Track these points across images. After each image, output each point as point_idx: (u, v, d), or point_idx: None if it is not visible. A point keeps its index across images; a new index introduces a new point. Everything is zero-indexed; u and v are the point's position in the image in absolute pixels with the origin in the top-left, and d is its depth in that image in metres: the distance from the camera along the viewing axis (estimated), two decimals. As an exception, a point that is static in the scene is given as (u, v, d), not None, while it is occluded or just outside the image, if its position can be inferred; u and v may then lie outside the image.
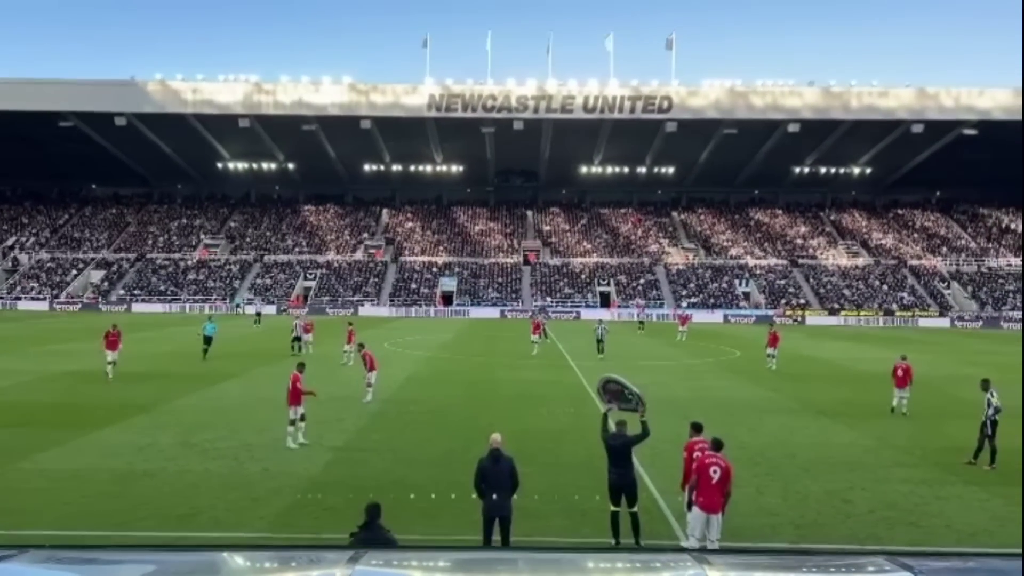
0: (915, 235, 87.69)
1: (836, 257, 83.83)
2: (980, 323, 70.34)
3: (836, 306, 74.19)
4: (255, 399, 23.15)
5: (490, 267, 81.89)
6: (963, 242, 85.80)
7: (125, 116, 74.68)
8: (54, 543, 3.44)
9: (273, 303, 72.66)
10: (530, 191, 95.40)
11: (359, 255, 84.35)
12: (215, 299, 75.75)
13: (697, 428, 11.81)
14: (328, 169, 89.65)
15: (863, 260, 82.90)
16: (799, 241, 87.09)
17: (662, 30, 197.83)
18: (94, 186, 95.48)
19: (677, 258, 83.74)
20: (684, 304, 72.51)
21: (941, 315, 72.10)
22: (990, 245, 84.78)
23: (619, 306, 73.17)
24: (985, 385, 16.52)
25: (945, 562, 3.26)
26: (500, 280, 79.47)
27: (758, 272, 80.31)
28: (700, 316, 67.26)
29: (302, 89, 76.45)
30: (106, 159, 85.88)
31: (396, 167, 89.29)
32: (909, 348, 38.50)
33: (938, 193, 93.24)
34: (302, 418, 17.18)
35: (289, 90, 76.45)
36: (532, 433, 18.31)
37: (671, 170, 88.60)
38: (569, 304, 74.33)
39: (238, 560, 3.14)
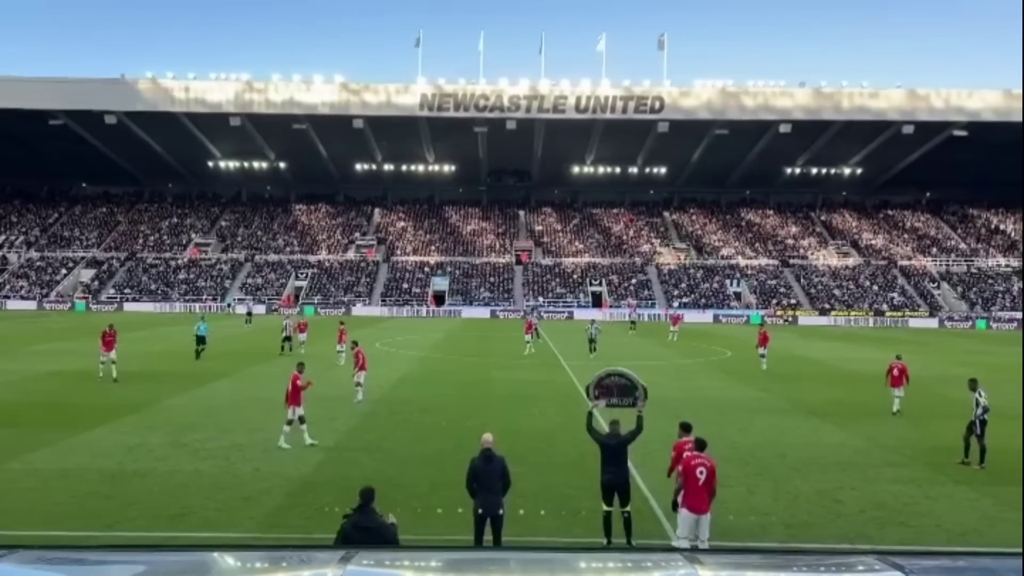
0: (905, 235, 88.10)
1: (827, 257, 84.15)
2: (970, 323, 70.70)
3: (827, 306, 74.47)
4: (246, 399, 23.09)
5: (482, 267, 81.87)
6: (953, 243, 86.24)
7: (115, 114, 74.31)
8: (43, 543, 3.42)
9: (264, 303, 72.47)
10: (522, 191, 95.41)
11: (351, 255, 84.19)
12: (206, 298, 75.51)
13: (686, 428, 11.81)
14: (320, 168, 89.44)
15: (853, 260, 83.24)
16: (790, 241, 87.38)
17: (654, 30, 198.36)
18: (84, 185, 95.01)
19: (669, 258, 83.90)
20: (676, 304, 72.65)
21: (931, 315, 72.47)
22: (979, 246, 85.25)
23: (611, 306, 73.26)
24: (973, 385, 16.59)
25: (935, 561, 3.28)
26: (492, 280, 79.46)
27: (749, 272, 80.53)
28: (691, 316, 67.40)
29: (294, 88, 76.25)
30: (96, 158, 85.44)
31: (388, 166, 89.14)
32: (899, 348, 38.69)
33: (928, 194, 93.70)
34: (301, 420, 17.07)
35: (280, 89, 76.23)
36: (524, 433, 18.32)
37: (663, 170, 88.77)
38: (561, 304, 74.37)
39: (229, 560, 3.13)
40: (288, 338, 36.16)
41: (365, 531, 8.06)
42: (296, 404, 17.05)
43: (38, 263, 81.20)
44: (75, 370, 28.92)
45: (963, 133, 75.50)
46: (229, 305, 71.82)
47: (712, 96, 75.91)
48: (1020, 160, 78.51)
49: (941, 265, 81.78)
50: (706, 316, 70.95)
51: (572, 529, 11.76)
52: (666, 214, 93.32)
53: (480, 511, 10.20)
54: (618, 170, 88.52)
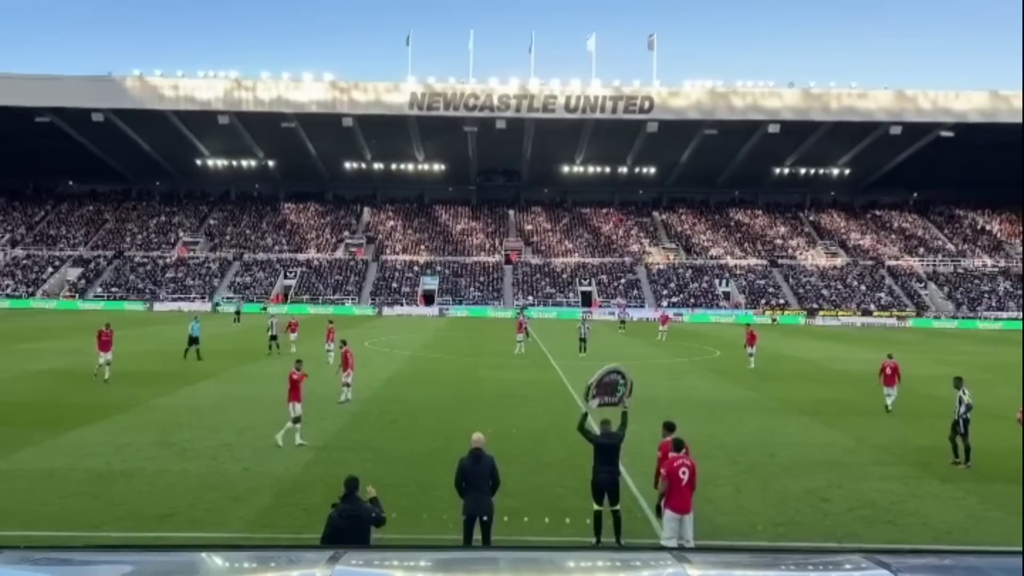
0: (893, 236, 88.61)
1: (815, 257, 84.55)
2: (955, 323, 71.18)
3: (815, 306, 74.83)
4: (234, 398, 23.01)
5: (472, 266, 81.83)
6: (940, 243, 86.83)
7: (103, 112, 73.88)
8: (29, 544, 3.39)
9: (252, 301, 72.16)
10: (512, 190, 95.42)
11: (340, 253, 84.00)
12: (194, 297, 75.18)
13: (670, 428, 11.77)
14: (309, 167, 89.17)
15: (841, 260, 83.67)
16: (779, 241, 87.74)
17: (644, 30, 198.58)
18: (71, 183, 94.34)
19: (658, 258, 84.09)
20: (665, 304, 72.86)
21: (918, 315, 72.92)
22: (966, 246, 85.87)
23: (600, 305, 73.37)
24: (957, 383, 16.68)
25: (922, 559, 3.30)
26: (482, 279, 79.45)
27: (738, 272, 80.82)
28: (680, 315, 67.57)
29: (283, 86, 76.01)
30: (83, 155, 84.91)
31: (377, 165, 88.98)
32: (887, 348, 38.89)
33: (915, 194, 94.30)
34: (295, 420, 16.99)
35: (270, 87, 75.99)
36: (513, 432, 18.32)
37: (652, 170, 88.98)
38: (551, 303, 74.42)
39: (217, 560, 3.11)
40: (274, 337, 35.91)
41: (352, 518, 8.52)
42: (296, 400, 17.00)
43: (24, 261, 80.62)
44: (62, 369, 28.74)
45: (950, 134, 76.03)
46: (217, 304, 71.47)
47: (701, 96, 76.15)
48: (1006, 161, 79.14)
49: (928, 265, 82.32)
50: (696, 316, 71.14)
51: (561, 528, 11.77)
52: (655, 214, 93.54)
53: (469, 511, 10.19)
54: (608, 170, 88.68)
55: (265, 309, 51.43)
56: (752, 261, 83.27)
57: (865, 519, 12.62)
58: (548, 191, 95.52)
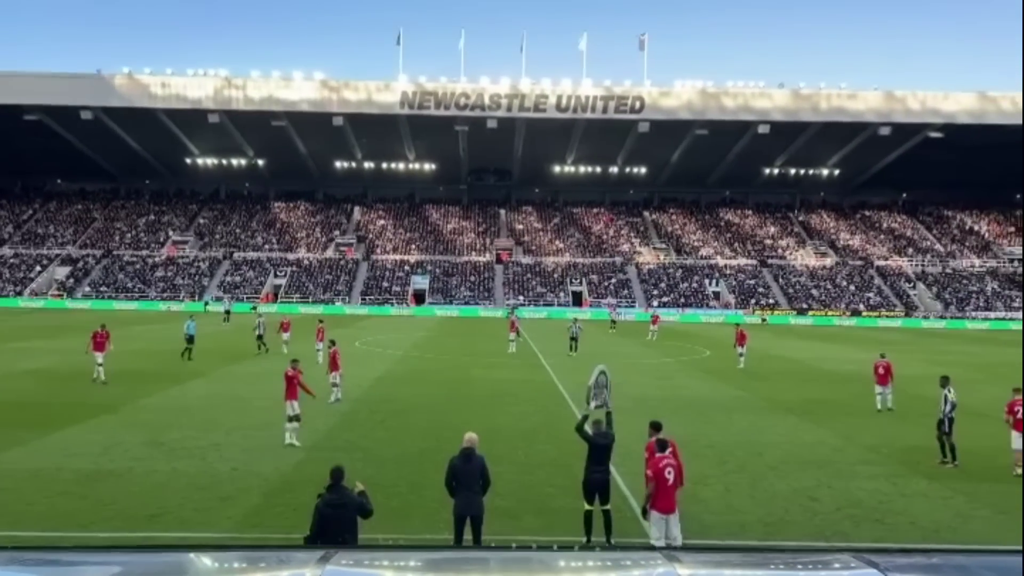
0: (882, 236, 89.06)
1: (804, 257, 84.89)
2: (944, 323, 71.59)
3: (804, 306, 75.14)
4: (224, 398, 22.92)
5: (462, 265, 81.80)
6: (928, 243, 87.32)
7: (91, 110, 73.46)
8: (16, 544, 3.37)
9: (242, 300, 71.91)
10: (503, 190, 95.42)
11: (330, 253, 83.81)
12: (183, 296, 74.90)
13: (656, 428, 11.71)
14: (299, 166, 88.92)
15: (831, 260, 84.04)
16: (768, 241, 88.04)
17: (635, 30, 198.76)
18: (59, 181, 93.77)
19: (648, 258, 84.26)
20: (655, 303, 73.03)
21: (907, 315, 73.33)
22: (954, 247, 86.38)
23: (591, 305, 73.45)
24: (943, 382, 16.78)
25: (910, 559, 3.32)
26: (472, 279, 79.43)
27: (728, 272, 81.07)
28: (670, 315, 67.73)
29: (273, 85, 75.77)
30: (72, 154, 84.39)
31: (368, 164, 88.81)
32: (876, 347, 39.07)
33: (904, 195, 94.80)
34: (292, 419, 17.00)
35: (260, 86, 75.72)
36: (504, 432, 18.32)
37: (643, 170, 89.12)
38: (541, 303, 74.46)
39: (206, 561, 3.10)
40: (261, 336, 35.73)
41: (338, 507, 8.67)
42: (293, 398, 16.98)
43: (11, 260, 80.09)
44: (49, 368, 28.58)
45: (939, 135, 76.47)
46: (207, 303, 71.18)
47: (692, 97, 76.34)
48: (994, 161, 79.72)
49: (917, 265, 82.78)
50: (685, 315, 71.30)
51: (552, 528, 11.77)
52: (646, 214, 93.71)
53: (459, 510, 10.19)
54: (599, 170, 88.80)
55: (255, 308, 51.30)
56: (742, 261, 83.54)
57: (853, 518, 12.68)
58: (539, 191, 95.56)
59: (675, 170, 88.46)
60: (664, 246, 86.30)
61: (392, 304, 74.40)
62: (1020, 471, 15.29)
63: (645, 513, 10.86)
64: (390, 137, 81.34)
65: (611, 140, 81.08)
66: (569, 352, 36.63)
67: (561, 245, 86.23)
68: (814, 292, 77.98)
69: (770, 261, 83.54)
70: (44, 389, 24.03)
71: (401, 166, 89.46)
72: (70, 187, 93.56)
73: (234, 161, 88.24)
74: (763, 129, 75.78)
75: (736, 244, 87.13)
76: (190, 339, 31.95)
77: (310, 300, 74.00)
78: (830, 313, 73.45)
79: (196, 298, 74.07)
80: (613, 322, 58.91)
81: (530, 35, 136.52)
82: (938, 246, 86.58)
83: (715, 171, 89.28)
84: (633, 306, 73.63)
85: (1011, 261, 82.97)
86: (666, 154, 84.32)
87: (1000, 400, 17.81)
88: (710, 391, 26.51)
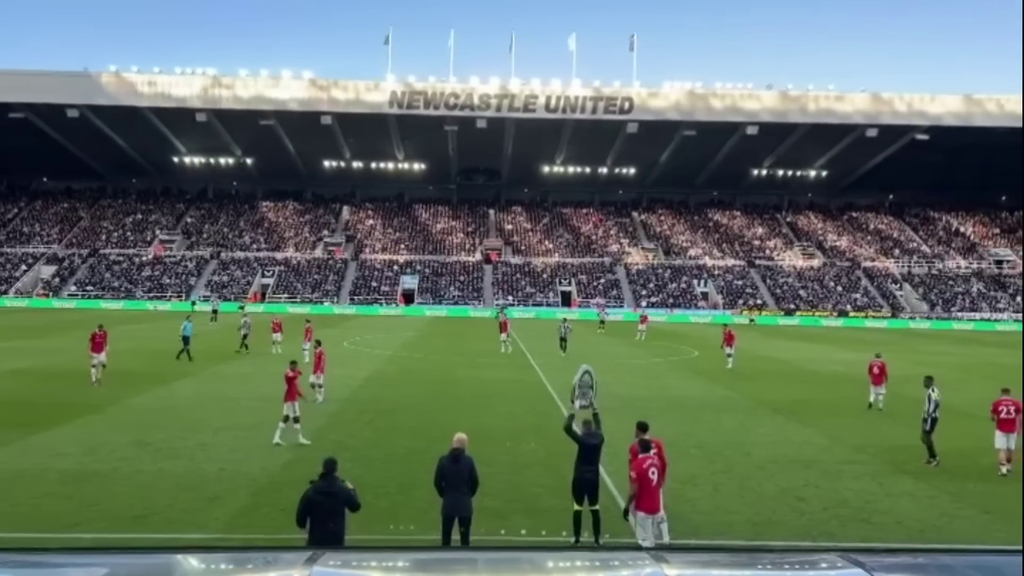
0: (869, 237, 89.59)
1: (792, 258, 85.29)
2: (929, 324, 72.07)
3: (792, 306, 75.49)
4: (211, 398, 22.82)
5: (452, 265, 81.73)
6: (914, 245, 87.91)
7: (78, 108, 72.99)
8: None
9: (229, 300, 71.60)
10: (492, 190, 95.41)
11: (319, 252, 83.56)
12: (170, 296, 74.52)
13: (643, 428, 11.62)
14: (287, 165, 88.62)
15: (818, 261, 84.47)
16: (756, 242, 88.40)
17: (624, 31, 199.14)
18: (45, 179, 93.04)
19: (637, 258, 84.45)
20: (644, 304, 73.21)
21: (893, 316, 73.79)
22: (940, 248, 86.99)
23: (579, 305, 73.54)
24: (927, 382, 16.91)
25: (896, 558, 3.34)
26: (462, 279, 79.38)
27: (716, 272, 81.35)
28: (658, 315, 67.89)
29: (261, 84, 75.48)
30: (58, 152, 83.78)
31: (357, 164, 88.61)
32: (863, 348, 39.31)
33: (891, 196, 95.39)
34: (295, 419, 16.99)
35: (248, 84, 75.42)
36: (492, 432, 18.31)
37: (632, 171, 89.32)
38: (531, 303, 74.50)
39: (193, 562, 3.09)
40: (245, 336, 35.51)
41: (328, 496, 8.95)
42: (292, 400, 17.01)
43: (-3, 259, 79.45)
44: (34, 368, 28.37)
45: (925, 137, 77.01)
46: (194, 303, 70.82)
47: (680, 97, 76.57)
48: (980, 164, 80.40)
49: (903, 267, 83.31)
50: (673, 315, 71.50)
51: (540, 528, 11.78)
52: (635, 214, 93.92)
53: (447, 510, 10.19)
54: (588, 170, 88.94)
55: (242, 308, 51.09)
56: (730, 262, 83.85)
57: (840, 518, 12.75)
58: (528, 191, 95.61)
59: (664, 171, 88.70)
60: (653, 246, 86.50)
61: (381, 304, 74.27)
62: (1004, 470, 15.44)
63: (626, 513, 10.88)
64: (379, 137, 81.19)
65: (600, 140, 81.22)
66: (560, 353, 36.66)
67: (550, 245, 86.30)
68: (802, 293, 78.35)
69: (758, 262, 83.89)
70: (29, 389, 23.85)
71: (390, 166, 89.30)
72: (56, 185, 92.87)
73: (222, 160, 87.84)
74: (751, 130, 76.10)
75: (724, 245, 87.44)
76: (186, 340, 31.71)
77: (298, 300, 73.76)
78: (817, 314, 73.84)
79: (183, 298, 73.70)
80: (602, 322, 58.99)
81: (519, 35, 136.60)
82: (924, 247, 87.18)
83: (703, 172, 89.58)
84: (622, 306, 73.78)
85: (996, 262, 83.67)
86: (655, 155, 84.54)
87: (984, 400, 17.95)
88: (698, 391, 26.59)
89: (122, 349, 35.00)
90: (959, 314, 74.16)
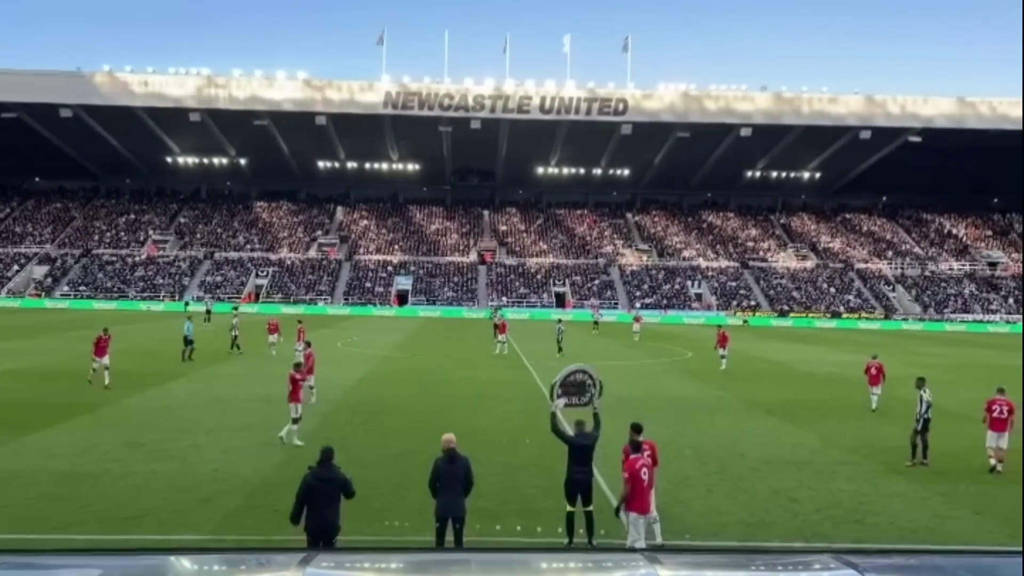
0: (862, 239, 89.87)
1: (785, 260, 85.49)
2: (922, 325, 72.30)
3: (785, 308, 75.66)
4: (204, 399, 22.75)
5: (446, 266, 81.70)
6: (907, 246, 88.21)
7: (71, 108, 72.74)
8: (-8, 548, 3.33)
9: (223, 300, 71.41)
10: (487, 191, 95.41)
11: (312, 253, 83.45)
12: (163, 296, 74.31)
13: (637, 430, 11.52)
14: (281, 165, 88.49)
15: (811, 263, 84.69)
16: (750, 244, 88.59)
17: (619, 32, 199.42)
18: (38, 179, 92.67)
19: (631, 259, 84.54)
20: (638, 305, 73.29)
21: (886, 317, 74.02)
22: (933, 250, 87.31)
23: (574, 306, 73.59)
24: (920, 383, 16.98)
25: (888, 559, 3.35)
26: (456, 280, 79.34)
27: (710, 274, 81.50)
28: (652, 317, 68.01)
29: (256, 84, 75.34)
30: (51, 152, 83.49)
31: (351, 164, 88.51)
32: (855, 349, 39.45)
33: (884, 198, 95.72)
34: (295, 421, 17.05)
35: (242, 85, 75.25)
36: (486, 433, 18.31)
37: (626, 172, 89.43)
38: (525, 304, 74.50)
39: (185, 564, 3.08)
40: (235, 337, 35.43)
41: (326, 482, 9.48)
42: (297, 401, 17.08)
43: (-11, 259, 79.13)
44: (27, 369, 28.25)
45: (918, 139, 77.29)
46: (187, 303, 70.59)
47: (675, 99, 76.70)
48: (972, 166, 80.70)
49: (896, 268, 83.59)
50: (668, 316, 71.57)
51: (534, 529, 11.78)
52: (629, 215, 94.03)
53: (441, 512, 10.17)
54: (582, 171, 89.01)
55: (236, 309, 50.97)
56: (724, 263, 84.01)
57: (833, 519, 12.78)
58: (523, 192, 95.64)
59: (658, 172, 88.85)
60: (647, 248, 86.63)
61: (375, 305, 74.18)
62: (994, 463, 15.74)
63: (618, 512, 10.89)
64: (373, 137, 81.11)
65: (594, 142, 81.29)
66: (555, 354, 36.67)
67: (544, 246, 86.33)
68: (795, 294, 78.53)
69: (751, 263, 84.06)
70: (22, 389, 23.74)
71: (384, 166, 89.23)
72: (49, 185, 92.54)
73: (216, 160, 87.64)
74: (745, 132, 76.26)
75: (718, 246, 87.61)
76: (187, 340, 31.66)
77: (292, 300, 73.63)
78: (811, 315, 74.02)
79: (176, 298, 73.49)
80: (595, 323, 59.05)
81: (514, 36, 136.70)
82: (917, 249, 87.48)
83: (697, 173, 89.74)
84: (616, 308, 73.86)
85: (989, 264, 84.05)
86: (649, 156, 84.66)
87: (976, 402, 18.03)
88: (692, 392, 26.63)
89: (115, 350, 34.80)
90: (951, 316, 74.44)
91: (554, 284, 78.93)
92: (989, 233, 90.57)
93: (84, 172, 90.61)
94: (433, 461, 10.56)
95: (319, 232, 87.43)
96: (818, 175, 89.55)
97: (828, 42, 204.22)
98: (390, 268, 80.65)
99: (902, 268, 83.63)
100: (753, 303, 76.55)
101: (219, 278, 78.09)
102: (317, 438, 17.88)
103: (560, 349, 37.20)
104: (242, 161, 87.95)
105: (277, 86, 75.28)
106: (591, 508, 11.31)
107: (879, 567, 3.11)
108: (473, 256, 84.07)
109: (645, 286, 79.26)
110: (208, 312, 57.24)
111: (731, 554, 5.10)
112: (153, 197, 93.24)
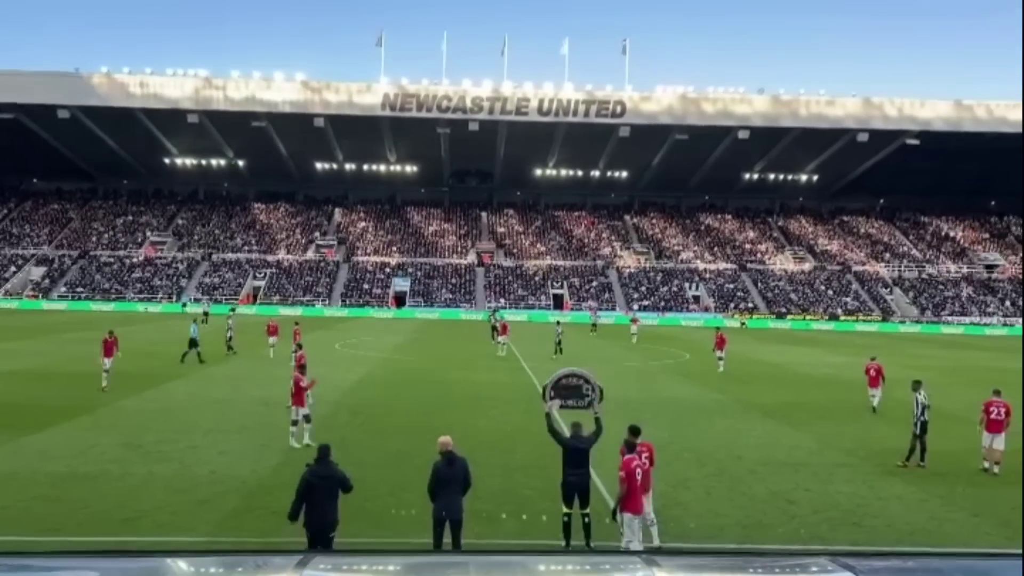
0: (859, 241, 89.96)
1: (783, 262, 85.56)
2: (919, 327, 72.38)
3: (783, 310, 75.71)
4: (202, 400, 22.72)
5: (444, 268, 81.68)
6: (905, 249, 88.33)
7: (68, 109, 72.69)
8: (-12, 550, 3.32)
9: (220, 302, 71.33)
10: (485, 192, 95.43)
11: (310, 254, 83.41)
12: (160, 297, 74.22)
13: (634, 432, 11.48)
14: (279, 167, 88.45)
15: (809, 265, 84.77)
16: (748, 246, 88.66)
17: (617, 35, 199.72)
18: (35, 180, 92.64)
19: (629, 261, 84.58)
20: (636, 307, 73.32)
21: (884, 320, 74.10)
22: (930, 252, 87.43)
23: (571, 308, 73.58)
24: (916, 386, 17.01)
25: (885, 562, 3.34)
26: (454, 281, 79.32)
27: (708, 276, 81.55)
28: (650, 319, 68.00)
29: (254, 85, 75.31)
30: (48, 153, 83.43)
31: (349, 166, 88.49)
32: (853, 352, 39.48)
33: (882, 201, 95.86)
34: (306, 419, 17.18)
35: (240, 86, 75.23)
36: (484, 435, 18.31)
37: (624, 174, 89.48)
38: (523, 306, 74.48)
39: (182, 566, 3.07)
40: (230, 338, 35.37)
41: (325, 479, 9.71)
42: (300, 404, 17.13)
43: (-14, 260, 79.00)
44: (24, 370, 28.19)
45: (916, 142, 77.41)
46: (184, 304, 70.54)
47: (672, 102, 76.77)
48: (970, 169, 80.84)
49: (893, 271, 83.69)
50: (665, 318, 71.58)
51: (531, 531, 11.77)
52: (627, 217, 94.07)
53: (439, 514, 10.16)
54: (580, 173, 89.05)
55: (233, 310, 50.89)
56: (721, 265, 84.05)
57: (830, 521, 12.78)
58: (521, 193, 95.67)
59: (656, 174, 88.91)
60: (645, 250, 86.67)
61: (373, 306, 74.12)
62: (988, 465, 15.80)
63: (614, 513, 10.88)
64: (371, 139, 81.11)
65: (592, 144, 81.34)
66: (553, 355, 36.68)
67: (542, 248, 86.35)
68: (793, 296, 78.57)
69: (749, 265, 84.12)
70: (19, 391, 23.69)
71: (382, 168, 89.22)
72: (46, 186, 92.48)
73: (213, 161, 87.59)
74: (743, 134, 76.33)
75: (716, 248, 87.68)
76: (193, 342, 31.61)
77: (290, 302, 73.57)
78: (808, 317, 74.08)
79: (174, 299, 73.41)
80: (593, 325, 59.07)
81: (512, 39, 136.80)
82: (914, 252, 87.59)
83: (695, 176, 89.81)
84: (614, 309, 73.88)
85: (986, 267, 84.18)
86: (647, 158, 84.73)
87: (973, 404, 18.06)
88: (690, 394, 26.63)
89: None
90: (949, 318, 74.54)
91: (552, 286, 78.93)
92: (986, 236, 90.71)
93: (82, 173, 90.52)
94: (432, 465, 10.54)
95: (317, 234, 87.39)
96: (816, 177, 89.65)
97: (826, 45, 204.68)
98: (388, 270, 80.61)
99: (900, 270, 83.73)
100: (751, 305, 76.60)
101: (217, 279, 78.02)
102: (316, 439, 17.90)
103: (558, 351, 37.20)
104: (240, 162, 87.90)
105: (275, 87, 75.26)
106: (588, 511, 11.29)
107: (876, 569, 3.10)
108: (471, 258, 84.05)
109: (643, 288, 79.28)
110: (205, 314, 57.19)
111: (728, 556, 5.10)
112: (151, 198, 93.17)
